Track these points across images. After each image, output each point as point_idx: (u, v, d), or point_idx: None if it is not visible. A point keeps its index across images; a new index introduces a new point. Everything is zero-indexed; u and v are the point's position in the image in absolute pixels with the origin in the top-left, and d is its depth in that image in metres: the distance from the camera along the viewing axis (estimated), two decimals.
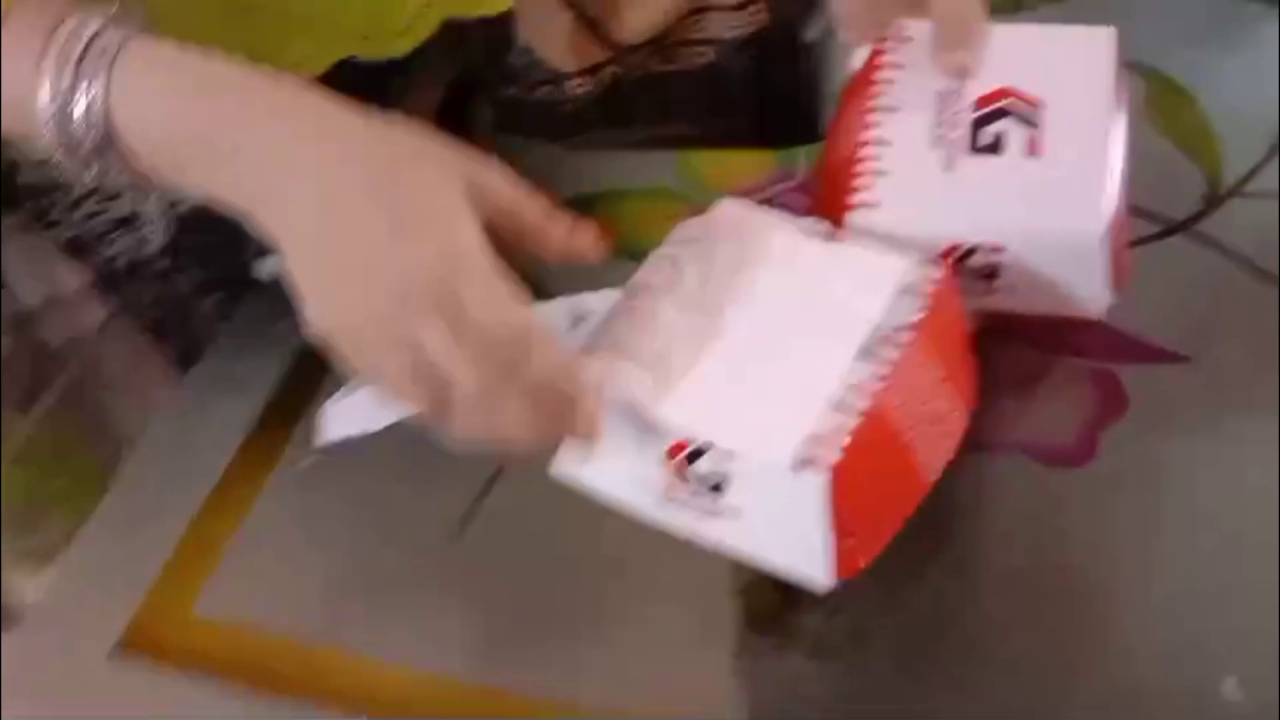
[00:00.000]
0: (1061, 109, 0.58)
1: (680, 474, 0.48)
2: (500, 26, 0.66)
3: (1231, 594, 0.51)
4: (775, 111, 0.71)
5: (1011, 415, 0.58)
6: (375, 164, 0.44)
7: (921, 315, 0.50)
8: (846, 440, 0.45)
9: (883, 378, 0.47)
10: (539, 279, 0.49)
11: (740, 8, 0.64)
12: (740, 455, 0.47)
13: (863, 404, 0.47)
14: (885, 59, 0.62)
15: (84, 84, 0.42)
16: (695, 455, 0.48)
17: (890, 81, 0.61)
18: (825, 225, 0.56)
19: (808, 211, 0.69)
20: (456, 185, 0.44)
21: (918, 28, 0.63)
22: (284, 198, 0.44)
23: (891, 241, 0.55)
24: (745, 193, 0.72)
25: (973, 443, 0.54)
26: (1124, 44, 0.75)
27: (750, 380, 0.49)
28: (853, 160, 0.58)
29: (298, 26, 0.57)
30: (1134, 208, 0.65)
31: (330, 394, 0.53)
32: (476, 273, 0.43)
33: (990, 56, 0.60)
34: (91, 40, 0.43)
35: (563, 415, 0.45)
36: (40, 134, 0.43)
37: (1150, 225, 0.66)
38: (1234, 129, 0.70)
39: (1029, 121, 0.58)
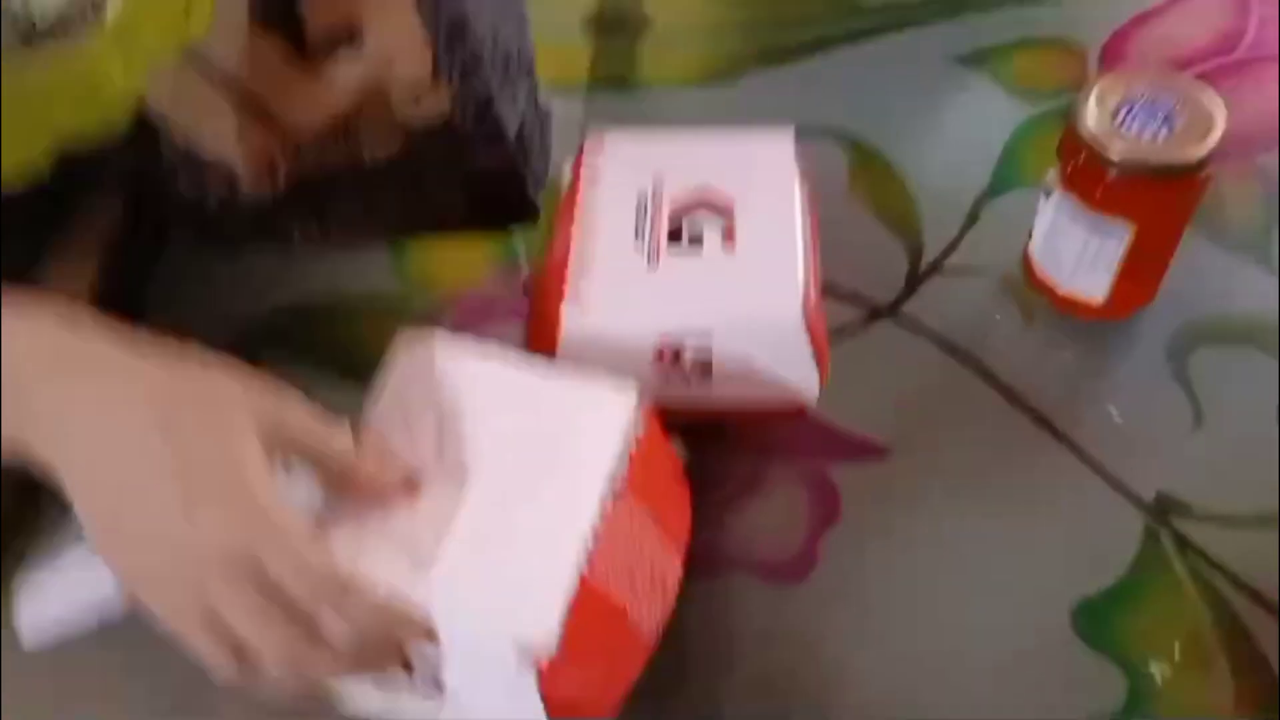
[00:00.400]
0: (752, 205, 0.59)
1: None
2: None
3: (951, 683, 0.54)
4: (483, 194, 0.68)
5: (732, 534, 0.58)
6: (165, 418, 0.42)
7: (624, 479, 0.48)
8: (559, 627, 0.45)
9: (592, 550, 0.47)
10: None
11: (423, 91, 0.61)
12: (457, 651, 0.45)
13: (573, 581, 0.46)
14: (586, 164, 0.62)
15: None
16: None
17: (593, 188, 0.61)
18: (539, 358, 0.55)
19: (529, 313, 0.69)
20: (250, 431, 0.42)
21: (615, 136, 0.64)
22: (74, 457, 0.42)
23: (604, 346, 0.55)
24: (470, 290, 0.71)
25: (699, 569, 0.55)
26: (829, 115, 0.78)
27: (483, 556, 0.46)
28: (563, 264, 0.58)
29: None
30: (841, 291, 0.67)
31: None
32: (275, 534, 0.41)
33: (684, 159, 0.62)
34: None
35: (379, 654, 0.43)
36: None
37: (856, 309, 0.68)
38: (934, 201, 0.73)
39: (723, 218, 0.59)
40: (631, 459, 0.49)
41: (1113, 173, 0.56)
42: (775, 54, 0.82)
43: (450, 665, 0.45)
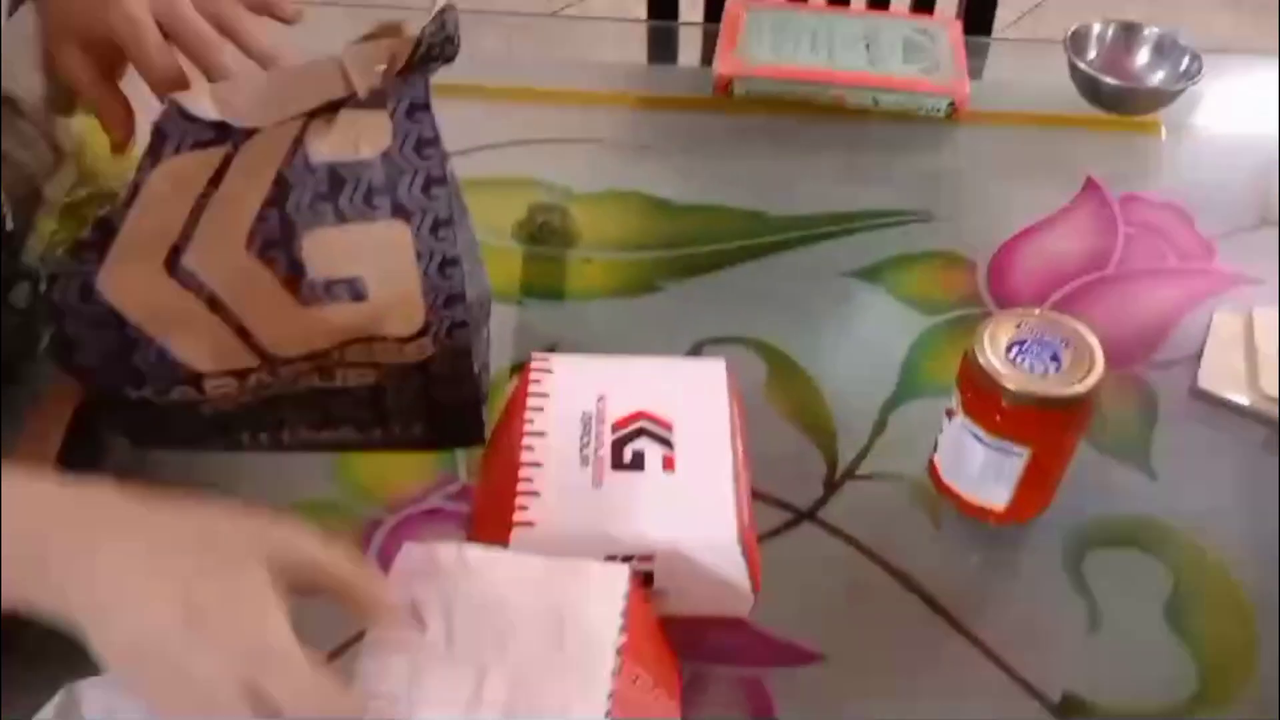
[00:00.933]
0: (688, 428, 0.64)
1: None
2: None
3: None
4: (440, 422, 0.72)
5: None
6: (174, 564, 0.47)
7: (624, 637, 0.52)
8: None
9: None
10: None
11: (408, 340, 0.65)
12: None
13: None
14: (532, 388, 0.66)
15: None
16: None
17: (539, 409, 0.65)
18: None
19: (472, 523, 0.71)
20: (260, 565, 0.47)
21: (559, 359, 0.68)
22: (89, 606, 0.46)
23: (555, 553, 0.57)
24: (409, 500, 0.74)
25: None
26: (744, 325, 0.84)
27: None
28: (511, 484, 0.61)
29: None
30: (765, 496, 0.72)
31: None
32: (283, 666, 0.46)
33: (625, 381, 0.66)
34: None
35: None
36: None
37: (781, 512, 0.73)
38: (844, 408, 0.79)
39: (663, 441, 0.63)
40: (630, 627, 0.52)
41: (1008, 403, 0.63)
42: (689, 267, 0.89)
43: None
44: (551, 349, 0.77)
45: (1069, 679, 0.64)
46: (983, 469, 0.67)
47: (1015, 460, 0.65)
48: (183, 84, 0.64)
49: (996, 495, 0.68)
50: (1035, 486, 0.68)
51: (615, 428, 0.64)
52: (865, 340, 0.84)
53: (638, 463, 0.62)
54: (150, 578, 0.47)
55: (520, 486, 0.61)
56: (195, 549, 0.48)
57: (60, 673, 0.51)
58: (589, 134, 1.01)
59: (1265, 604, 0.68)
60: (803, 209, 0.93)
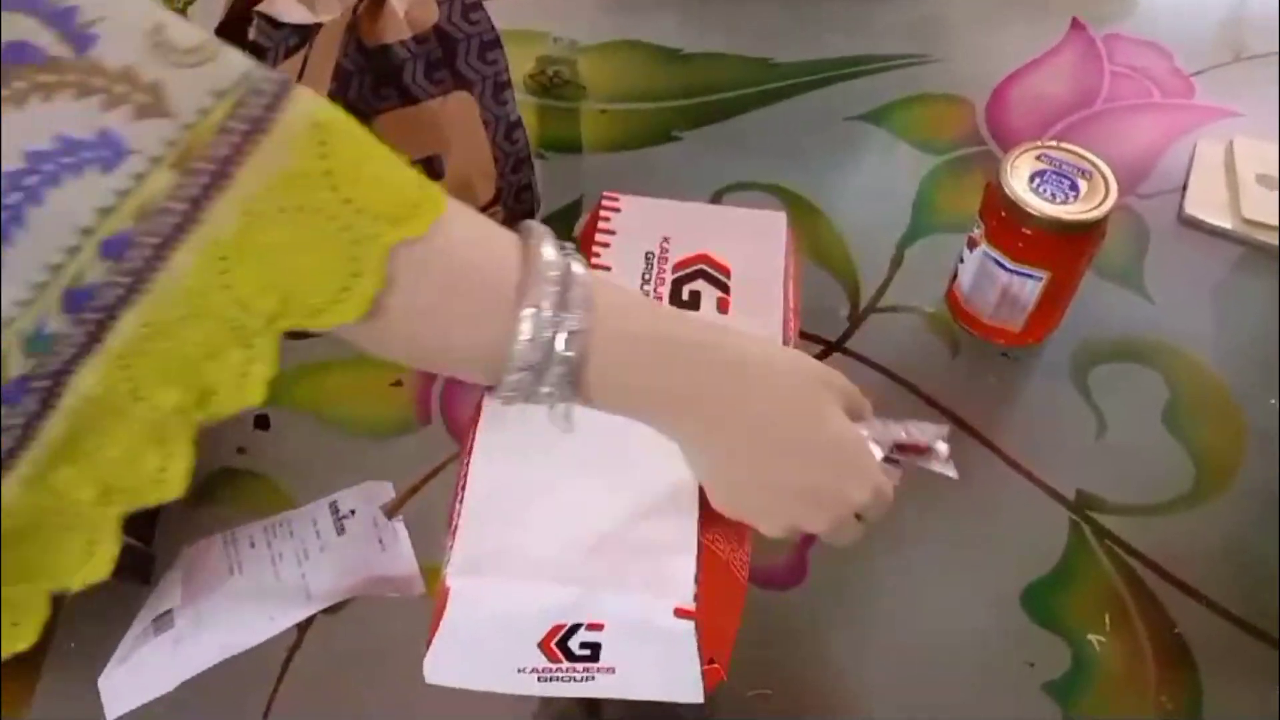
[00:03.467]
0: (745, 274, 0.67)
1: (555, 654, 0.53)
2: None
3: (924, 661, 0.64)
4: None
5: None
6: (807, 416, 0.51)
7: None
8: (695, 585, 0.52)
9: (699, 516, 0.54)
10: None
11: (484, 210, 0.68)
12: (610, 624, 0.52)
13: (692, 545, 0.53)
14: (600, 224, 0.69)
15: (568, 318, 0.43)
16: (569, 634, 0.52)
17: (605, 245, 0.68)
18: None
19: None
20: (837, 405, 0.52)
21: (629, 198, 0.71)
22: (729, 441, 0.50)
23: None
24: None
25: None
26: (760, 171, 0.87)
27: (598, 538, 0.53)
28: None
29: None
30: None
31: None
32: (878, 490, 0.53)
33: (690, 227, 0.69)
34: (569, 275, 0.44)
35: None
36: (503, 355, 0.43)
37: (811, 346, 0.78)
38: (862, 246, 0.84)
39: (720, 285, 0.67)
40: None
41: (1031, 229, 0.68)
42: (703, 116, 0.92)
43: (612, 645, 0.53)
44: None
45: (1081, 480, 0.72)
46: (1003, 294, 0.72)
47: (1034, 284, 0.71)
48: None
49: (1013, 319, 0.74)
50: (1048, 310, 0.74)
51: (676, 268, 0.67)
52: (875, 180, 0.89)
53: (694, 302, 0.66)
54: (788, 425, 0.50)
55: None
56: (820, 401, 0.51)
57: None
58: None
59: (1251, 405, 0.75)
60: (807, 55, 0.96)
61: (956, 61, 0.97)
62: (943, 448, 0.57)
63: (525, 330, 0.43)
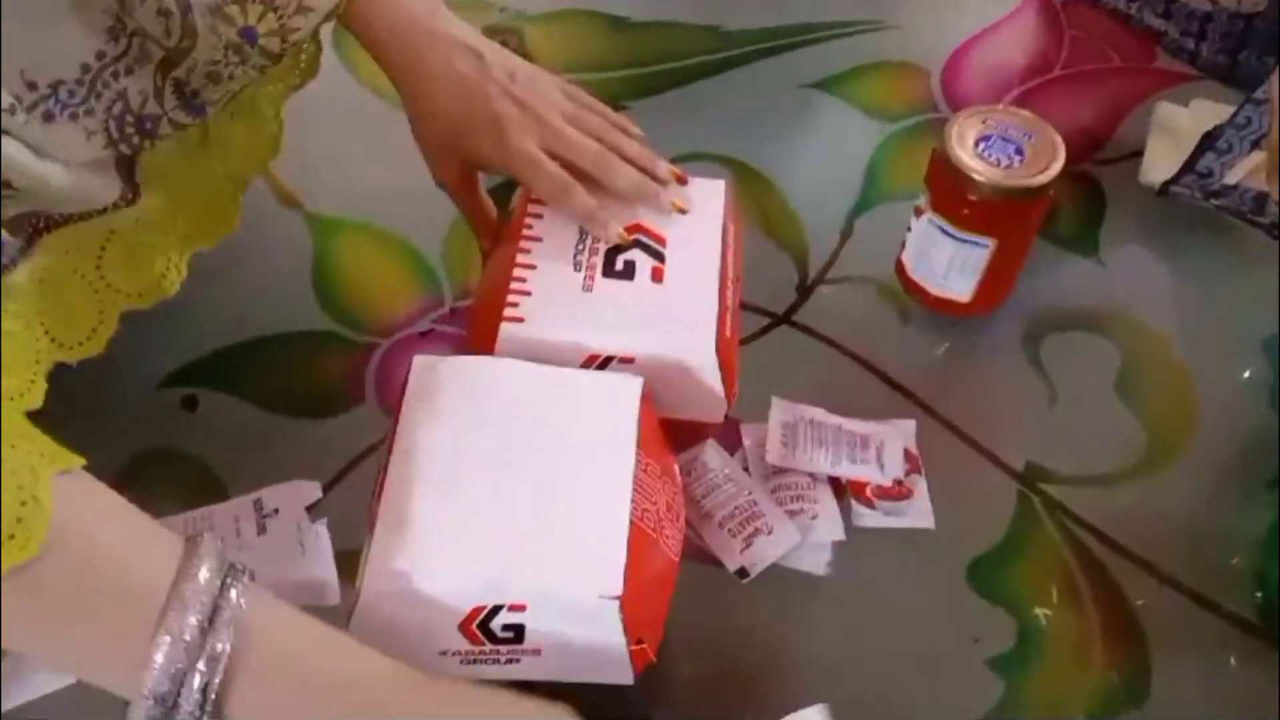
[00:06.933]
0: (681, 243, 0.66)
1: (477, 636, 0.52)
2: None
3: (870, 633, 0.63)
4: None
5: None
6: None
7: (639, 440, 0.56)
8: (623, 566, 0.51)
9: (630, 496, 0.54)
10: None
11: None
12: (533, 605, 0.51)
13: (622, 523, 0.53)
14: (535, 196, 0.67)
15: (209, 646, 0.44)
16: (490, 616, 0.52)
17: (539, 216, 0.66)
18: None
19: (459, 338, 0.74)
20: None
21: None
22: None
23: (536, 354, 0.60)
24: (397, 326, 0.76)
25: None
26: (709, 141, 0.85)
27: (523, 518, 0.53)
28: (504, 283, 0.63)
29: None
30: (743, 304, 0.75)
31: None
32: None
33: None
34: (217, 606, 0.45)
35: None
36: (137, 689, 0.44)
37: (758, 319, 0.76)
38: (812, 216, 0.82)
39: (655, 254, 0.65)
40: (641, 423, 0.56)
41: (976, 195, 0.66)
42: (651, 85, 0.90)
43: (536, 626, 0.52)
44: None
45: (1031, 451, 0.70)
46: (950, 263, 0.71)
47: (980, 252, 0.69)
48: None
49: (961, 288, 0.72)
50: (997, 278, 0.72)
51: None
52: (827, 150, 0.87)
53: (628, 272, 0.65)
54: None
55: (513, 285, 0.63)
56: None
57: None
58: None
59: (1205, 374, 0.74)
60: (758, 22, 0.94)
61: (911, 28, 0.95)
62: None
63: (158, 659, 0.43)
